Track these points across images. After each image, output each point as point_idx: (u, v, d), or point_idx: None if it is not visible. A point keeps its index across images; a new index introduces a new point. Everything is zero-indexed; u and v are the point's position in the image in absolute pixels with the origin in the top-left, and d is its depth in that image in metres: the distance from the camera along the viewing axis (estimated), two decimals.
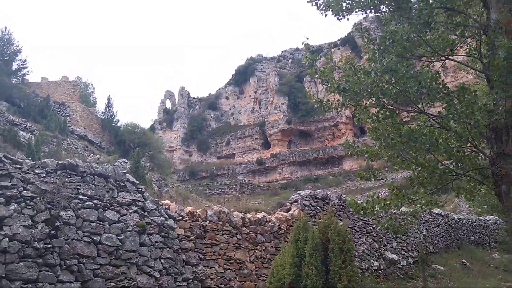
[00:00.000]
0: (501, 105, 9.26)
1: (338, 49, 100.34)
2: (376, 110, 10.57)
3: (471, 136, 9.73)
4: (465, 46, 11.14)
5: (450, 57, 10.84)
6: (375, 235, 16.99)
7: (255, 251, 12.37)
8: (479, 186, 10.55)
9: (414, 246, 19.37)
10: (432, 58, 11.04)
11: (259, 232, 12.72)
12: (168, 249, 10.36)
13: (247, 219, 12.51)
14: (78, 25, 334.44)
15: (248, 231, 12.38)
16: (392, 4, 10.03)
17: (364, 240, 16.24)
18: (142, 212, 10.14)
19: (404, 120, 11.63)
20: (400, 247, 18.40)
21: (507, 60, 8.73)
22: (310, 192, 15.22)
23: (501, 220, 27.16)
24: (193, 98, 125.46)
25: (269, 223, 13.13)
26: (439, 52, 10.34)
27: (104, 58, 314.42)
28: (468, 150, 10.21)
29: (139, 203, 10.17)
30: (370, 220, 16.55)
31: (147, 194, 10.65)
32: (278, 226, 13.33)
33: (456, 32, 11.15)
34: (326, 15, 10.82)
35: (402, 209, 11.04)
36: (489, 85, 9.85)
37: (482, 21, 10.19)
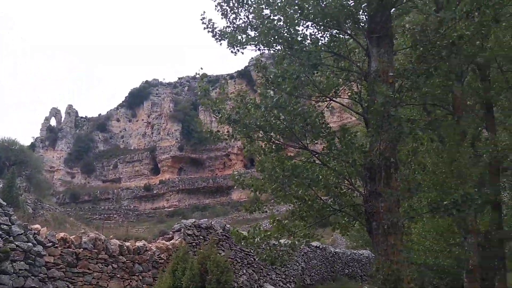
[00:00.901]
0: (376, 147, 9.96)
1: (234, 81, 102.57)
2: (264, 143, 10.85)
3: (348, 174, 10.34)
4: (349, 90, 11.92)
5: (335, 99, 11.54)
6: (255, 266, 17.17)
7: (131, 281, 11.84)
8: (353, 221, 11.17)
9: (292, 277, 19.89)
10: (319, 98, 11.66)
11: (137, 261, 12.22)
12: (33, 277, 9.52)
13: (125, 247, 11.98)
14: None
15: (125, 260, 11.84)
16: (285, 43, 10.47)
17: (245, 271, 16.33)
18: (7, 237, 9.26)
19: (289, 155, 12.05)
20: (279, 279, 18.77)
21: (383, 106, 9.46)
22: (194, 221, 15.05)
23: (372, 255, 29.04)
24: (81, 117, 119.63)
25: (149, 252, 12.69)
26: (324, 93, 10.97)
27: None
28: (345, 187, 10.82)
29: (4, 226, 9.29)
30: (252, 251, 16.73)
31: (15, 217, 9.77)
32: (158, 255, 12.93)
33: (341, 76, 11.92)
34: (221, 44, 10.98)
35: (282, 241, 11.28)
36: (367, 128, 10.61)
37: (364, 68, 11.00)
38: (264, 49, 10.87)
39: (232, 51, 10.88)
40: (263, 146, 10.78)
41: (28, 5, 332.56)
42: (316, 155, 10.85)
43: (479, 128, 19.84)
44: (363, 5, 10.25)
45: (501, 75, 18.67)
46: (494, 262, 18.01)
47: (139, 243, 12.85)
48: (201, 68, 11.21)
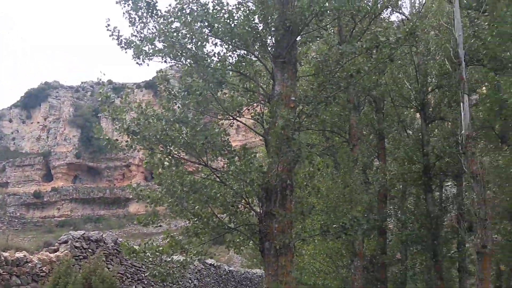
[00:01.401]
0: (274, 169, 10.17)
1: (141, 90, 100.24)
2: (163, 157, 10.62)
3: (246, 194, 10.42)
4: (252, 110, 12.10)
5: (238, 118, 11.66)
6: (146, 282, 16.65)
7: None
8: (247, 241, 11.25)
9: None
10: (222, 116, 11.72)
11: (15, 273, 11.29)
12: None
13: (2, 257, 11.02)
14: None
15: (1, 271, 10.88)
16: (192, 58, 10.41)
17: (135, 287, 15.75)
18: None
19: (189, 170, 11.91)
20: None
21: (283, 129, 9.71)
22: (84, 233, 14.26)
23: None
24: None
25: (30, 264, 11.78)
26: (228, 111, 11.05)
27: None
28: (242, 206, 10.89)
29: None
30: (143, 266, 16.20)
31: None
32: (39, 268, 12.05)
33: (246, 96, 12.08)
34: (126, 52, 10.65)
35: (175, 257, 11.05)
36: (267, 149, 10.83)
37: (268, 91, 11.25)
38: (171, 62, 10.73)
39: (137, 62, 10.58)
40: (162, 159, 10.54)
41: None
42: (216, 172, 10.83)
43: (371, 157, 21.17)
44: (271, 30, 10.52)
45: (393, 109, 20.12)
46: (377, 285, 19.10)
47: (19, 254, 11.88)
48: (104, 74, 10.80)
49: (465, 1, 15.73)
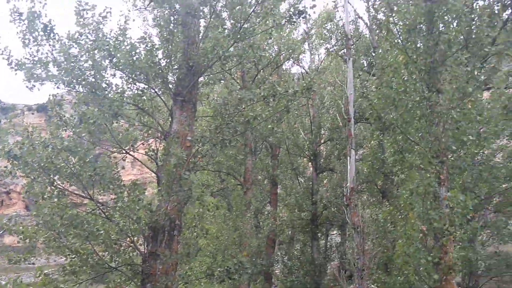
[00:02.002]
0: (163, 208, 9.91)
1: (33, 113, 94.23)
2: (45, 186, 9.93)
3: (131, 231, 9.99)
4: (148, 146, 11.83)
5: (132, 152, 11.33)
6: None
7: None
8: (129, 281, 10.72)
9: None
10: (115, 148, 11.31)
11: None
12: None
13: None
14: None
15: None
16: (89, 86, 10.02)
17: None
18: None
19: (73, 202, 11.24)
20: None
21: (176, 168, 9.57)
22: None
23: None
24: None
25: None
26: (121, 145, 10.70)
27: None
28: (126, 244, 10.41)
29: None
30: None
31: None
32: None
33: (142, 130, 11.82)
34: (16, 74, 9.97)
35: None
36: (158, 186, 10.57)
37: (165, 127, 11.10)
38: (64, 88, 10.22)
39: (27, 86, 9.93)
40: (44, 189, 9.83)
41: None
42: (101, 207, 10.30)
43: (264, 202, 21.58)
44: (173, 67, 10.51)
45: (288, 157, 20.86)
46: None
47: None
48: None
49: (362, 60, 17.07)
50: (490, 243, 15.35)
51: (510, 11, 14.37)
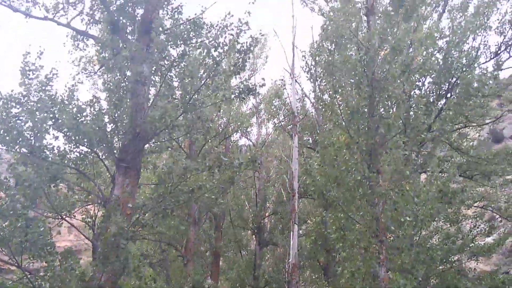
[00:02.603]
0: (97, 278, 9.43)
1: None
2: None
3: None
4: (85, 211, 11.42)
5: (68, 218, 10.86)
6: None
7: None
8: None
9: None
10: (51, 214, 10.82)
11: None
12: None
13: None
14: None
15: None
16: (28, 148, 9.71)
17: None
18: None
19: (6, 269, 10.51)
20: None
21: (115, 237, 9.23)
22: None
23: None
24: None
25: None
26: (57, 210, 10.26)
27: None
28: None
29: None
30: None
31: None
32: None
33: (81, 195, 11.44)
34: None
35: None
36: (93, 255, 10.08)
37: (106, 194, 10.79)
38: (3, 148, 9.84)
39: None
40: None
41: None
42: (30, 276, 9.66)
43: (205, 274, 20.94)
44: (119, 133, 10.42)
45: (232, 229, 20.62)
46: None
47: None
48: None
49: (307, 137, 17.61)
50: None
51: (444, 100, 15.47)
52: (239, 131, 19.57)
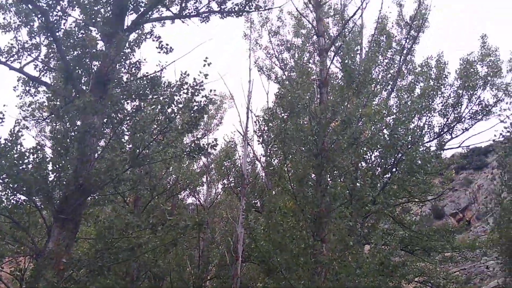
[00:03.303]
0: None
1: None
2: None
3: None
4: (16, 263, 10.76)
5: None
6: None
7: None
8: None
9: None
10: None
11: None
12: None
13: None
14: None
15: None
16: None
17: None
18: None
19: None
20: None
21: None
22: None
23: None
24: None
25: None
26: None
27: None
28: None
29: None
30: None
31: None
32: None
33: (14, 246, 10.81)
34: None
35: None
36: None
37: (40, 246, 10.24)
38: None
39: None
40: None
41: None
42: None
43: None
44: (61, 183, 10.06)
45: None
46: None
47: None
48: None
49: (256, 200, 17.58)
50: None
51: (389, 175, 16.01)
52: (188, 190, 19.37)
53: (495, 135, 17.92)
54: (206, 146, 10.67)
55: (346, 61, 17.77)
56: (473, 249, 18.69)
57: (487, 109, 18.47)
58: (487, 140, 19.14)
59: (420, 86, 18.44)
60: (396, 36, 20.36)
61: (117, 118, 10.35)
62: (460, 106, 18.80)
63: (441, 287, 18.93)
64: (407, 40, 20.39)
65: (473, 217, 46.48)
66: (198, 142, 10.90)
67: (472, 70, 18.32)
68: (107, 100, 10.04)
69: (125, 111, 10.39)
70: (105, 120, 10.64)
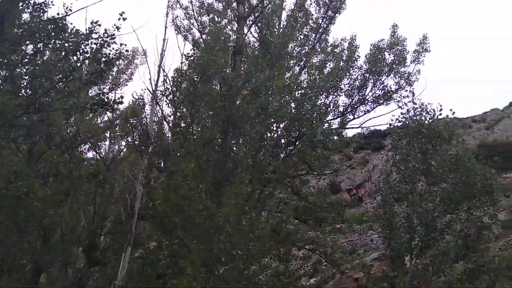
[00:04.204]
0: None
1: None
2: None
3: None
4: None
5: None
6: None
7: None
8: None
9: None
10: None
11: None
12: None
13: None
14: None
15: None
16: None
17: None
18: None
19: None
20: None
21: None
22: None
23: None
24: None
25: None
26: None
27: None
28: None
29: None
30: None
31: None
32: None
33: None
34: None
35: None
36: None
37: None
38: None
39: None
40: None
41: None
42: None
43: None
44: None
45: (61, 244, 19.27)
46: None
47: None
48: None
49: (160, 160, 17.38)
50: None
51: (292, 147, 16.62)
52: (89, 143, 18.68)
53: (392, 120, 19.18)
54: (110, 101, 10.34)
55: (264, 32, 17.87)
56: (360, 223, 20.00)
57: (388, 94, 19.56)
58: (385, 123, 20.35)
59: (331, 65, 19.07)
60: (313, 14, 20.77)
61: (14, 60, 9.66)
62: (365, 89, 19.73)
63: (328, 255, 20.18)
64: (324, 20, 20.90)
65: (365, 194, 49.81)
66: (103, 96, 10.51)
67: (380, 56, 19.25)
68: (3, 40, 9.31)
69: (24, 53, 9.71)
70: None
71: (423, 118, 16.84)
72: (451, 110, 16.82)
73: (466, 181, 15.63)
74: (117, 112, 19.92)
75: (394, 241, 16.26)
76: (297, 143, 16.48)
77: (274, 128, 16.09)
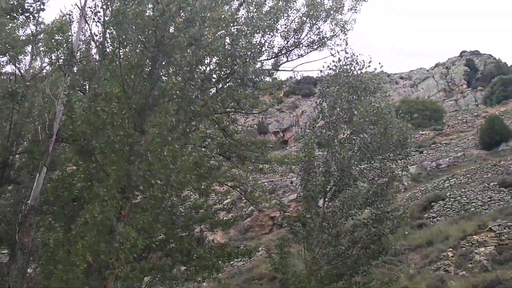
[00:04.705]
0: None
1: None
2: None
3: None
4: None
5: None
6: None
7: None
8: None
9: None
10: None
11: None
12: None
13: None
14: None
15: None
16: None
17: None
18: None
19: None
20: None
21: None
22: None
23: None
24: None
25: None
26: None
27: None
28: None
29: None
30: None
31: None
32: None
33: None
34: None
35: None
36: None
37: None
38: None
39: None
40: None
41: None
42: None
43: None
44: None
45: None
46: None
47: None
48: None
49: (84, 82, 16.66)
50: (154, 284, 16.24)
51: (222, 83, 16.49)
52: (7, 56, 17.43)
53: (323, 66, 19.46)
54: (30, 7, 9.62)
55: None
56: (281, 164, 20.57)
57: (323, 40, 19.65)
58: (317, 69, 20.63)
59: (270, 3, 18.75)
60: None
61: None
62: (301, 33, 19.66)
63: (248, 193, 20.73)
64: None
65: (291, 138, 51.16)
66: (22, 1, 9.74)
67: (319, 0, 19.15)
68: None
69: None
70: None
71: (352, 68, 17.24)
72: (379, 63, 17.33)
73: (384, 133, 16.44)
74: (42, 26, 18.58)
75: (311, 183, 16.97)
76: (228, 79, 16.35)
77: (206, 62, 15.81)
